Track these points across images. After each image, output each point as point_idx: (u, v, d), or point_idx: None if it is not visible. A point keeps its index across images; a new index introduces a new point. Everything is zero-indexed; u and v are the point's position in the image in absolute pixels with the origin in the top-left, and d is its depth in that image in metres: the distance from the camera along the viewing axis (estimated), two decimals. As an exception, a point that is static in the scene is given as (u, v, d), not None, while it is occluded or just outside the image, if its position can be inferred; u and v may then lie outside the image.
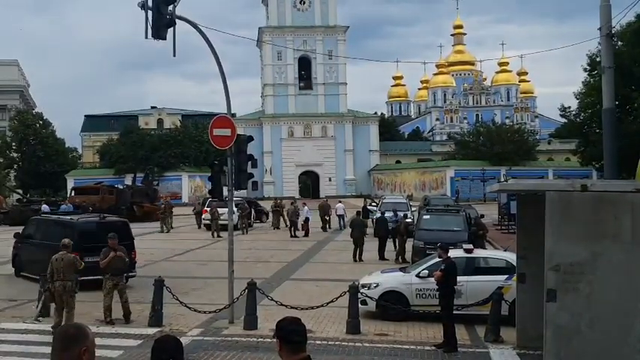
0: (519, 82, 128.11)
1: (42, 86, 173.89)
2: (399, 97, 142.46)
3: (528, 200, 12.43)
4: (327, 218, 40.57)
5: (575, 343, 9.97)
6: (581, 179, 11.63)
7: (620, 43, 30.66)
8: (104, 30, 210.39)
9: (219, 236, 35.05)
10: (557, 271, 9.99)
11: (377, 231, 27.46)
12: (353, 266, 23.96)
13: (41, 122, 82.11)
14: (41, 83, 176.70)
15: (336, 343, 12.74)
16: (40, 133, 79.41)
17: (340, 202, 45.63)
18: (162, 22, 13.64)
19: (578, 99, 38.48)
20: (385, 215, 29.69)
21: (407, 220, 29.08)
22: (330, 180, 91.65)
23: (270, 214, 44.99)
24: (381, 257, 25.83)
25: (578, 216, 10.09)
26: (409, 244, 24.93)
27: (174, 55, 14.06)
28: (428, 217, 25.61)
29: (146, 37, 13.57)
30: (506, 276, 14.54)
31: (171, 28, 13.84)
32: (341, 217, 41.18)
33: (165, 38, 13.76)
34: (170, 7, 13.70)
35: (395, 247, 26.20)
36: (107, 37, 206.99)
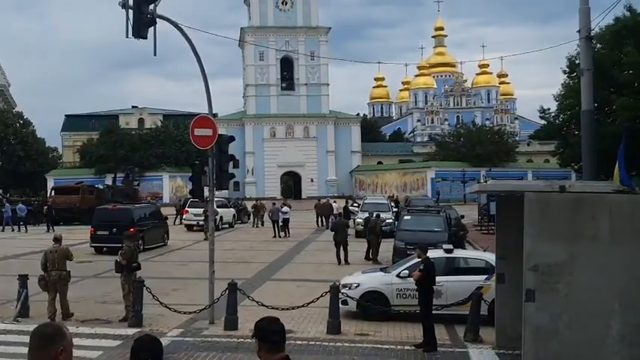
0: (499, 84, 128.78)
1: (22, 85, 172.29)
2: (381, 98, 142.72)
3: (508, 201, 12.52)
4: (332, 218, 41.51)
5: (554, 344, 10.05)
6: (560, 180, 11.71)
7: (599, 45, 30.93)
8: (85, 29, 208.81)
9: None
10: (535, 272, 10.07)
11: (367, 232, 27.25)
12: (334, 267, 23.97)
13: (21, 122, 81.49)
14: (21, 82, 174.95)
15: (317, 343, 12.75)
16: (20, 132, 78.77)
17: (335, 202, 47.66)
18: (143, 21, 13.57)
19: (557, 101, 38.72)
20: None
21: (387, 221, 29.12)
22: (312, 181, 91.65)
23: (252, 215, 46.60)
24: (367, 258, 25.74)
25: (556, 217, 10.18)
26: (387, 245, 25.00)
27: (155, 55, 13.99)
28: (409, 217, 25.70)
29: (127, 37, 13.51)
30: (485, 276, 14.63)
31: (152, 28, 13.80)
32: (335, 216, 42.07)
33: (146, 37, 13.69)
34: (151, 7, 13.63)
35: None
36: (88, 37, 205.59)
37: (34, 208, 48.92)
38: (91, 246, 28.61)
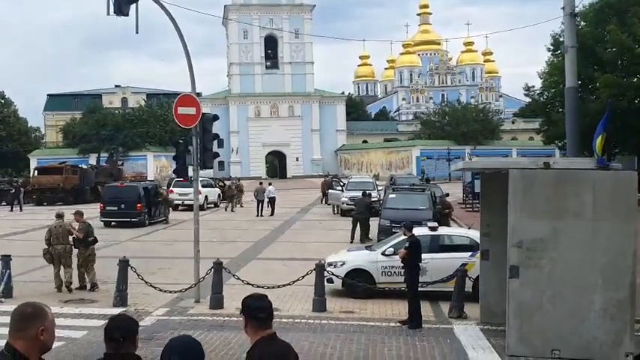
0: (484, 62, 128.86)
1: (3, 65, 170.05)
2: (366, 76, 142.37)
3: (492, 178, 12.56)
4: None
5: (537, 319, 10.14)
6: (544, 158, 11.75)
7: (583, 23, 30.99)
8: (67, 8, 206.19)
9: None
10: (519, 248, 10.13)
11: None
12: (320, 245, 23.93)
13: (2, 101, 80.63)
14: (2, 62, 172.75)
15: (303, 320, 12.79)
16: (1, 112, 77.96)
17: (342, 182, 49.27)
18: (124, -2, 13.43)
19: (541, 78, 38.88)
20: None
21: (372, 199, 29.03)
22: (297, 160, 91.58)
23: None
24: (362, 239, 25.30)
25: (540, 193, 10.22)
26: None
27: (137, 32, 13.87)
28: (394, 196, 25.71)
29: (108, 14, 13.38)
30: (470, 253, 14.69)
31: (134, 5, 13.65)
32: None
33: (127, 14, 13.55)
34: (133, -17, 13.48)
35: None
36: (71, 15, 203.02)
37: None
38: (101, 220, 30.18)
